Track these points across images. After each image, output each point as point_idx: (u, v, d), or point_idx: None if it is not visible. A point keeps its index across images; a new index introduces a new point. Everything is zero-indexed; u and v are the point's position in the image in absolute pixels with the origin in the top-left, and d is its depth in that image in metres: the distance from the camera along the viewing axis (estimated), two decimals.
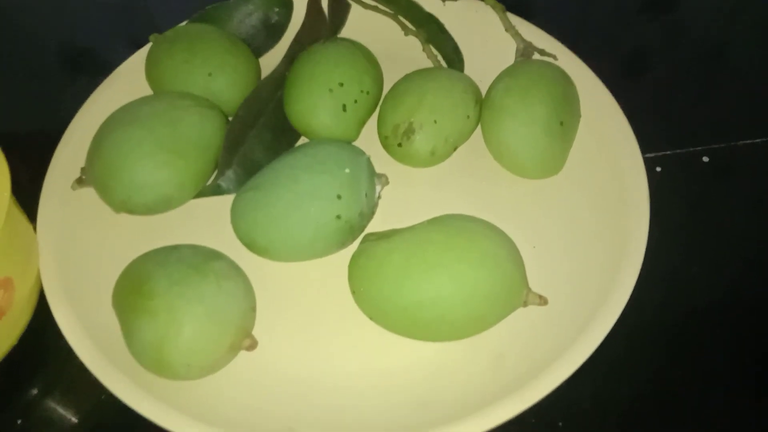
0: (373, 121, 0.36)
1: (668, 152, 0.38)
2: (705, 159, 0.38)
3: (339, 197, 0.30)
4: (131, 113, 0.32)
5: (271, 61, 0.39)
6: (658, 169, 0.37)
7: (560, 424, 0.30)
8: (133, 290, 0.28)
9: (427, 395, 0.29)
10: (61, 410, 0.31)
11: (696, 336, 0.32)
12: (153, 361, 0.27)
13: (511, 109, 0.33)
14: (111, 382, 0.28)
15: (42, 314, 0.31)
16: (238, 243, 0.31)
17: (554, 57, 0.36)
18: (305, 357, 0.30)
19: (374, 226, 0.32)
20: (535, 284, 0.29)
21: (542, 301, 0.28)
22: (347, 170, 0.30)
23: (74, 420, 0.30)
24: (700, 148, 0.38)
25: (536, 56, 0.37)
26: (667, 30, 0.45)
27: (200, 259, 0.28)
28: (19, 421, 0.30)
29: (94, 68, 0.45)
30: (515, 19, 0.38)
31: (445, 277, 0.27)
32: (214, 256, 0.29)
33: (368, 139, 0.35)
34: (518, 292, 0.28)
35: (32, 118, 0.42)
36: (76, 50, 0.46)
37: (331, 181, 0.30)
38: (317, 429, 0.28)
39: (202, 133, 0.33)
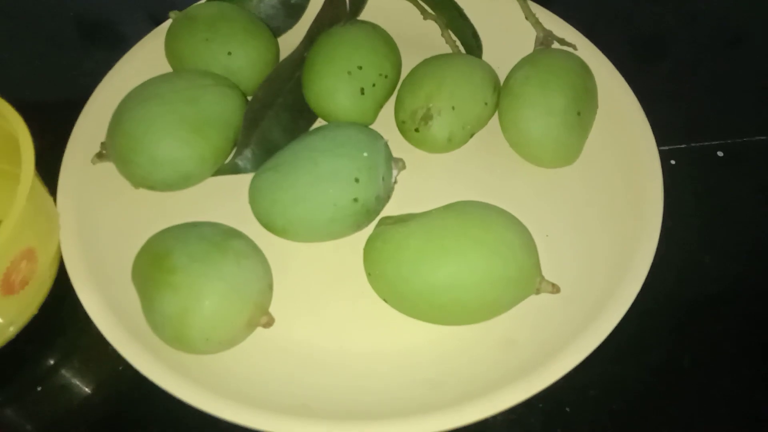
0: (389, 105, 0.36)
1: (683, 145, 0.38)
2: (719, 153, 0.38)
3: (357, 180, 0.30)
4: (152, 90, 0.33)
5: (289, 41, 0.39)
6: (673, 162, 0.37)
7: (568, 409, 0.30)
8: (155, 264, 0.28)
9: (437, 377, 0.29)
10: (79, 379, 0.31)
11: (705, 324, 0.33)
12: (173, 335, 0.28)
13: (530, 97, 0.33)
14: (129, 353, 0.29)
15: (61, 285, 0.31)
16: (254, 222, 0.32)
17: (574, 47, 0.36)
18: (320, 335, 0.31)
19: (389, 209, 0.33)
20: (548, 272, 0.30)
21: (555, 289, 0.29)
22: (365, 154, 0.31)
23: (92, 389, 0.31)
24: (714, 142, 0.38)
25: (555, 45, 0.37)
26: (685, 23, 0.45)
27: (220, 237, 0.29)
28: (39, 388, 0.31)
29: (111, 40, 0.45)
30: (535, 7, 0.38)
31: (460, 262, 0.28)
32: (233, 234, 0.30)
33: (384, 123, 0.36)
34: (531, 279, 0.29)
35: (49, 87, 0.43)
36: (94, 22, 0.46)
37: (349, 165, 0.30)
38: (330, 405, 0.28)
39: (222, 111, 0.33)
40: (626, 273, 0.30)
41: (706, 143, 0.38)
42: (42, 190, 0.31)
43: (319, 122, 0.37)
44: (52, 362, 0.32)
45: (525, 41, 0.38)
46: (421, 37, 0.39)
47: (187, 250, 0.28)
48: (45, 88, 0.42)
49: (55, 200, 0.33)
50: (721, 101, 0.41)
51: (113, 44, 0.45)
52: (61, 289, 0.31)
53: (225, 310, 0.27)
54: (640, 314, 0.30)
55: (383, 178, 0.31)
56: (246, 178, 0.33)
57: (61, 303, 0.32)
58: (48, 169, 0.32)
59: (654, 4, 0.46)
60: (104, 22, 0.46)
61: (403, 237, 0.29)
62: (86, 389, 0.31)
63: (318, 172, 0.30)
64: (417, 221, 0.29)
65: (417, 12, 0.40)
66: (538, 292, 0.29)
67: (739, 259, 0.35)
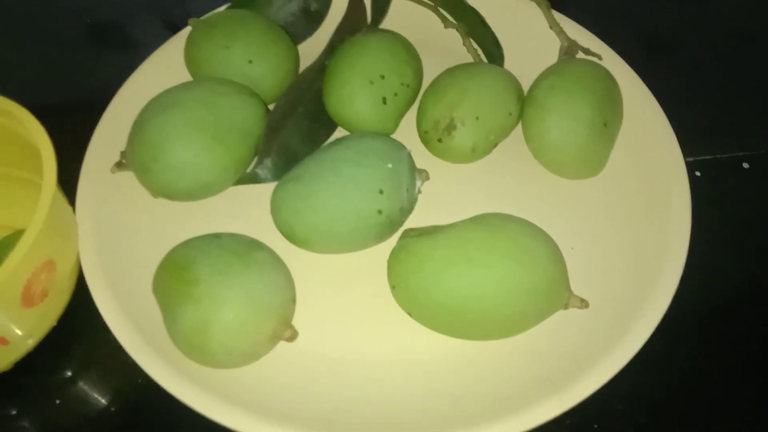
0: (410, 114, 0.36)
1: (708, 157, 0.38)
2: (745, 165, 0.38)
3: (381, 192, 0.30)
4: (172, 98, 0.32)
5: (309, 48, 0.38)
6: (698, 173, 0.37)
7: (595, 425, 0.30)
8: (176, 276, 0.28)
9: (461, 391, 0.29)
10: (97, 392, 0.31)
11: (733, 336, 0.32)
12: (194, 348, 0.27)
13: (555, 107, 0.32)
14: (149, 365, 0.28)
15: (79, 295, 0.31)
16: (275, 232, 0.31)
17: (599, 57, 0.36)
18: (341, 348, 0.30)
19: (412, 220, 0.32)
20: (574, 286, 0.29)
21: (583, 304, 0.28)
22: (390, 165, 0.30)
23: (111, 401, 0.31)
24: (740, 153, 0.38)
25: (580, 55, 0.36)
26: (709, 31, 0.44)
27: (243, 249, 0.28)
28: (57, 401, 0.31)
29: (127, 45, 0.45)
30: (559, 17, 0.37)
31: (487, 275, 0.27)
32: (256, 245, 0.29)
33: (405, 132, 0.35)
34: (560, 294, 0.28)
35: (64, 91, 0.42)
36: (109, 26, 0.46)
37: (373, 175, 0.30)
38: (352, 419, 0.28)
39: (242, 120, 0.33)
40: (654, 286, 0.30)
41: (732, 155, 0.38)
42: (62, 200, 0.30)
43: (338, 131, 0.36)
44: (69, 374, 0.31)
45: (547, 50, 0.37)
46: (442, 46, 0.39)
47: (209, 261, 0.28)
48: (59, 92, 0.42)
49: (73, 208, 0.32)
50: (746, 112, 0.40)
51: (129, 49, 0.44)
52: (79, 300, 0.31)
53: (248, 322, 0.27)
54: (666, 326, 0.29)
55: (407, 189, 0.31)
56: (266, 187, 0.33)
57: (79, 314, 0.31)
58: (62, 174, 0.32)
59: (678, 12, 0.45)
60: (119, 27, 0.46)
61: (429, 249, 0.28)
62: (105, 401, 0.31)
63: (341, 183, 0.30)
64: (443, 233, 0.29)
65: (438, 20, 0.39)
66: (566, 307, 0.28)
67: (766, 271, 0.34)
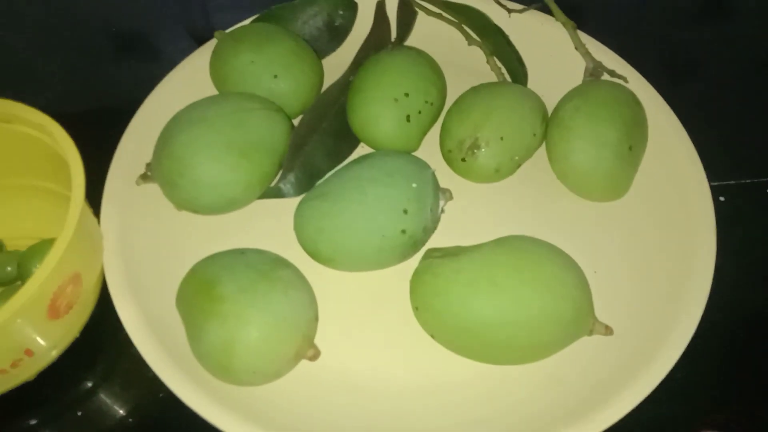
0: (432, 132, 0.36)
1: (732, 182, 0.37)
2: None
3: (405, 212, 0.30)
4: (199, 113, 0.32)
5: (333, 63, 0.39)
6: (722, 198, 0.37)
7: None
8: (202, 293, 0.28)
9: (481, 416, 0.29)
10: (118, 404, 0.31)
11: (757, 363, 0.32)
12: (219, 366, 0.27)
13: (580, 130, 0.32)
14: (170, 380, 0.28)
15: (102, 307, 0.31)
16: (297, 247, 0.31)
17: (625, 79, 0.36)
18: (363, 367, 0.30)
19: (434, 239, 0.32)
20: (596, 310, 0.29)
21: (608, 331, 0.28)
22: (414, 185, 0.30)
23: (131, 414, 0.31)
24: (764, 179, 0.38)
25: (605, 76, 0.36)
26: (738, 56, 0.44)
27: (268, 267, 0.28)
28: (79, 413, 0.31)
29: (151, 55, 0.45)
30: (585, 38, 0.37)
31: (513, 299, 0.27)
32: (281, 263, 0.29)
33: (428, 151, 0.35)
34: (585, 320, 0.28)
35: (87, 101, 0.42)
36: (134, 37, 0.46)
37: (398, 195, 0.30)
38: None
39: (268, 136, 0.33)
40: (679, 313, 0.30)
41: (756, 180, 0.38)
42: (88, 213, 0.31)
43: (361, 147, 0.36)
44: (91, 385, 0.31)
45: (571, 70, 0.37)
46: (465, 63, 0.39)
47: (234, 278, 0.28)
48: (84, 102, 0.42)
49: (97, 218, 0.32)
50: None
51: (154, 60, 0.45)
52: (102, 312, 0.31)
53: (273, 341, 0.27)
54: (688, 353, 0.29)
55: (431, 209, 0.31)
56: (288, 202, 0.33)
57: (102, 326, 0.31)
58: (87, 183, 0.31)
59: (701, 34, 0.45)
60: (145, 38, 0.46)
61: (453, 272, 0.28)
62: (125, 414, 0.31)
63: (366, 202, 0.30)
64: (467, 255, 0.29)
65: (462, 38, 0.39)
66: (591, 333, 0.28)
67: None
